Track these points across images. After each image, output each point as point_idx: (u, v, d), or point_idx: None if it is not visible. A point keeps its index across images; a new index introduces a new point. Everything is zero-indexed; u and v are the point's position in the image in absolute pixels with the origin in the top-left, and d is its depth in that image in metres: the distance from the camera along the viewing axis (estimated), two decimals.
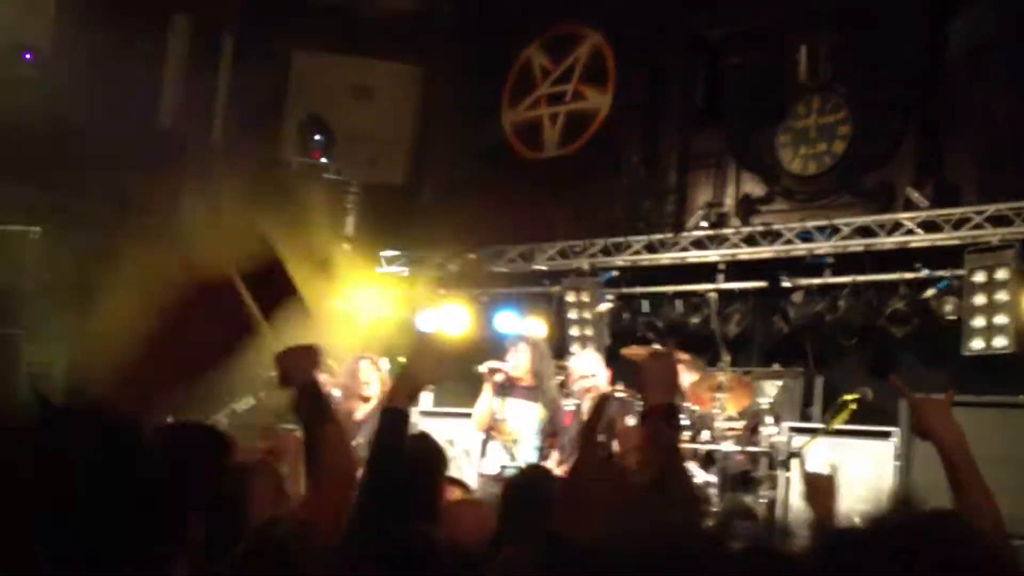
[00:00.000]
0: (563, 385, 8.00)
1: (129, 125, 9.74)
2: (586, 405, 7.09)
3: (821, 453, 6.88)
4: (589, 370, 7.39)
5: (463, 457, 7.32)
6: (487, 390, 7.36)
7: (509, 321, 10.07)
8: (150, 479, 2.00)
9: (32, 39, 9.70)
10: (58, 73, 9.58)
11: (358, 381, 7.36)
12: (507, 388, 7.26)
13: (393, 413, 3.00)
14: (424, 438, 4.48)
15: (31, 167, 8.65)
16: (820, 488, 3.38)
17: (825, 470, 3.36)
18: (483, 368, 7.45)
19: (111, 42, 9.35)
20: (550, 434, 7.23)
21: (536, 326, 10.10)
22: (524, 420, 7.24)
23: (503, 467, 7.04)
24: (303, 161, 11.53)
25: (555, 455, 7.26)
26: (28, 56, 9.69)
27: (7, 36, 9.54)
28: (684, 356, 8.37)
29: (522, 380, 7.29)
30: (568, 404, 7.49)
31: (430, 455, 4.18)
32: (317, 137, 11.62)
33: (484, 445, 7.44)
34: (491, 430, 7.31)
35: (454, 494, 5.26)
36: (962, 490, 2.50)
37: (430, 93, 12.45)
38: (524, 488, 4.07)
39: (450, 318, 10.60)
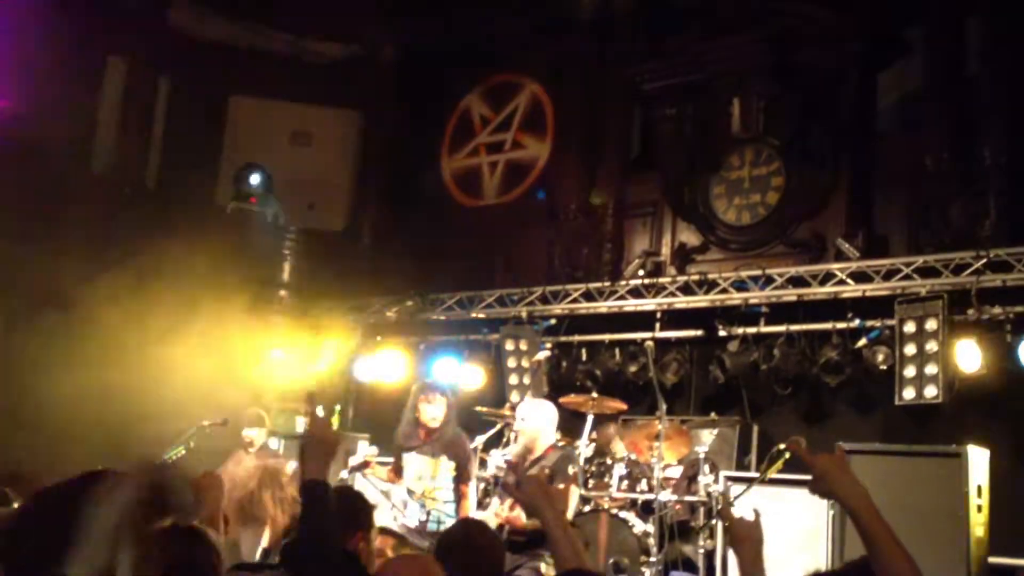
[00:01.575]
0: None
1: (61, 170, 9.60)
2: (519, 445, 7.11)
3: (747, 500, 6.91)
4: (521, 414, 7.21)
5: (399, 508, 7.21)
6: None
7: (447, 369, 10.04)
8: None
9: None
10: None
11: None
12: (410, 443, 7.18)
13: (312, 485, 3.05)
14: (347, 491, 4.41)
15: None
16: (745, 535, 3.37)
17: (750, 516, 3.35)
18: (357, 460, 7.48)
19: (45, 83, 9.23)
20: (461, 482, 7.11)
21: (474, 374, 10.10)
22: (423, 473, 7.12)
23: (419, 520, 6.98)
24: (239, 206, 11.43)
25: (495, 500, 7.21)
26: None
27: None
28: (621, 405, 8.42)
29: (433, 432, 7.14)
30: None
31: (352, 507, 4.12)
32: (254, 181, 11.53)
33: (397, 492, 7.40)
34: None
35: (387, 544, 5.21)
36: (875, 548, 2.45)
37: (369, 139, 12.47)
38: (459, 540, 4.04)
39: (387, 365, 10.55)
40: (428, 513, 7.01)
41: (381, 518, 5.96)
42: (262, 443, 8.34)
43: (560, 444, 7.38)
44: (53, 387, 8.05)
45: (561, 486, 5.98)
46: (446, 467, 7.11)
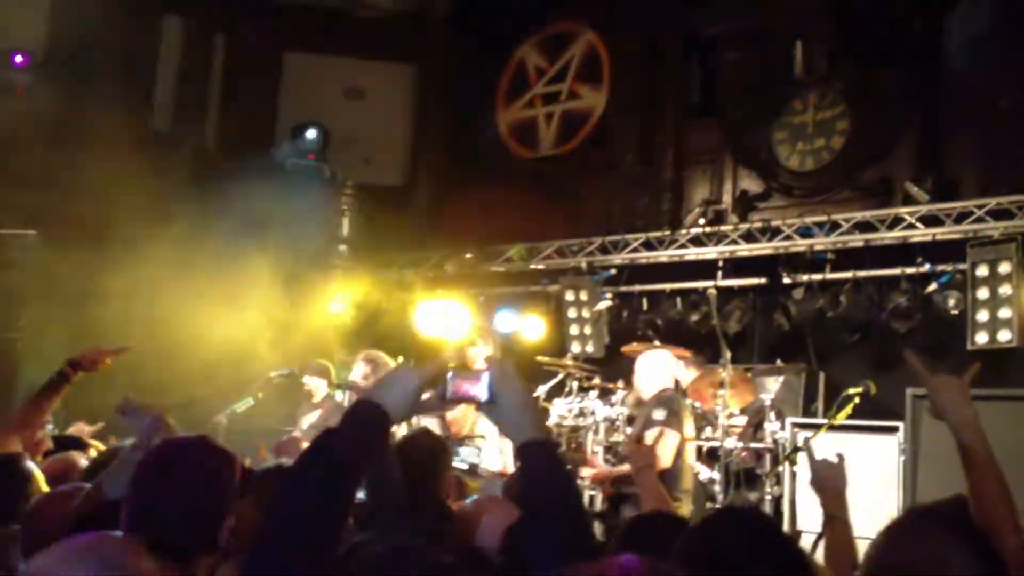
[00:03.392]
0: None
1: (123, 127, 9.68)
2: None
3: (828, 445, 6.82)
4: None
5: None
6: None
7: (508, 321, 10.02)
8: None
9: (25, 43, 9.64)
10: (51, 76, 9.51)
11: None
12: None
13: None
14: (430, 435, 4.45)
15: (25, 171, 8.58)
16: (830, 476, 3.35)
17: (833, 459, 3.33)
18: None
19: (104, 44, 9.29)
20: None
21: (535, 325, 10.08)
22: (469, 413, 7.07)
23: (471, 464, 6.93)
24: (297, 163, 11.48)
25: None
26: (18, 61, 9.61)
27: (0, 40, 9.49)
28: (685, 353, 8.36)
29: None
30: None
31: (436, 450, 4.17)
32: (311, 138, 11.57)
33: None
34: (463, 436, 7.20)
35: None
36: (974, 473, 2.43)
37: (424, 93, 12.42)
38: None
39: (448, 318, 10.55)
40: (479, 453, 6.98)
41: None
42: (325, 394, 8.40)
43: (665, 391, 7.23)
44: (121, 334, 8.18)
45: (650, 438, 6.00)
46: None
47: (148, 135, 10.65)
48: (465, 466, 6.95)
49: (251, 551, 1.89)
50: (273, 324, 9.89)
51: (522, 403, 2.15)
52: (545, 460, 2.11)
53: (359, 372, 7.32)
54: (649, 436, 6.30)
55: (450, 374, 2.14)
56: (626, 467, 6.37)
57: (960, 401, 2.53)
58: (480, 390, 2.13)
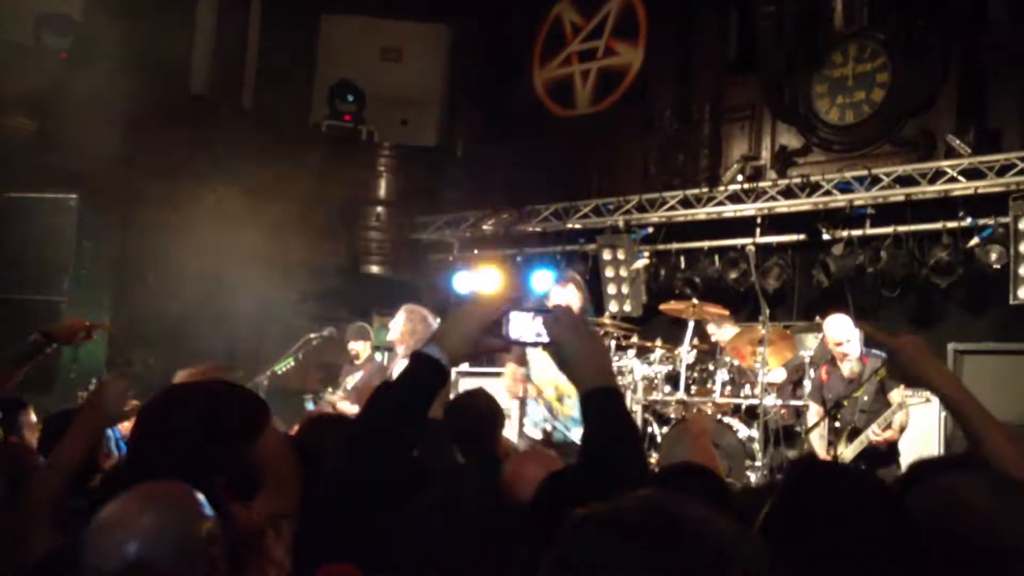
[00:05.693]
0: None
1: (161, 91, 9.75)
2: (847, 368, 6.92)
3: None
4: (844, 336, 6.92)
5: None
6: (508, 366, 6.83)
7: (545, 280, 10.02)
8: None
9: (63, 7, 9.70)
10: (89, 41, 9.57)
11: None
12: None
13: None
14: (485, 394, 4.49)
15: (65, 135, 8.67)
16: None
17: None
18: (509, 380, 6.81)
19: (141, 9, 9.33)
20: None
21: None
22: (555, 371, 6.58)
23: (543, 428, 6.45)
24: (334, 124, 11.52)
25: None
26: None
27: (39, 6, 9.55)
28: (722, 311, 8.33)
29: None
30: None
31: (492, 409, 4.25)
32: (348, 99, 11.60)
33: (522, 405, 6.85)
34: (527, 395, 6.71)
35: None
36: (975, 433, 2.22)
37: (459, 53, 12.38)
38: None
39: (485, 278, 10.58)
40: (555, 419, 6.41)
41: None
42: (367, 355, 8.47)
43: None
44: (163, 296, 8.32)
45: None
46: None
47: (186, 99, 10.72)
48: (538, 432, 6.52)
49: (313, 503, 1.93)
50: (313, 285, 9.99)
51: (586, 350, 2.07)
52: (612, 408, 2.05)
53: (398, 326, 7.23)
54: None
55: (508, 316, 2.08)
56: None
57: (932, 363, 2.34)
58: (540, 332, 2.08)
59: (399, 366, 6.52)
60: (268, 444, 2.59)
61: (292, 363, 7.77)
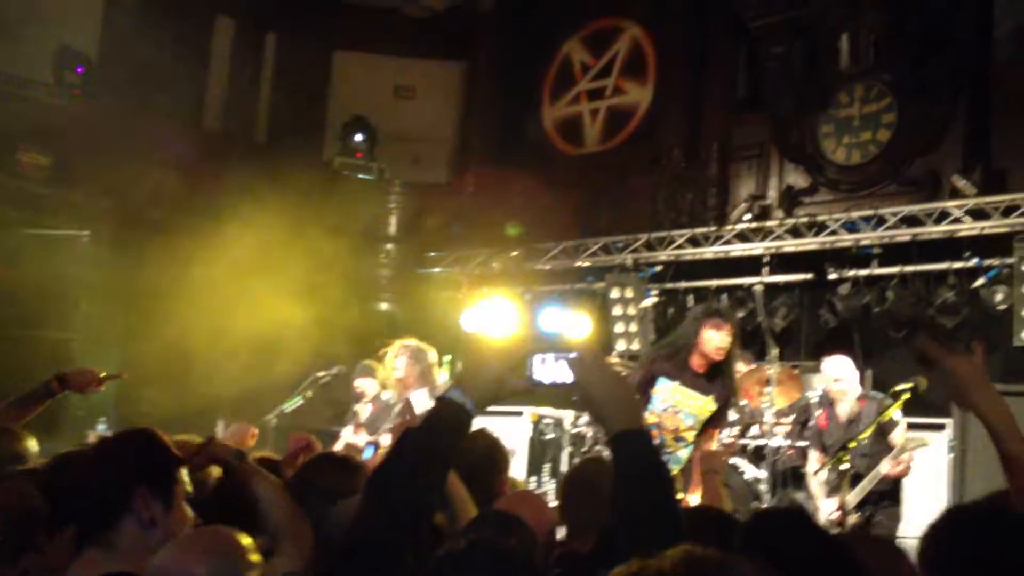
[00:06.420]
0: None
1: (175, 127, 9.87)
2: (844, 408, 6.93)
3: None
4: (841, 373, 6.98)
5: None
6: None
7: (553, 318, 10.04)
8: None
9: (80, 45, 9.86)
10: (105, 78, 9.72)
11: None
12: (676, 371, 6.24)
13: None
14: (487, 435, 4.48)
15: (79, 171, 8.79)
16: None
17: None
18: None
19: (156, 46, 9.47)
20: (713, 426, 6.35)
21: (580, 322, 10.09)
22: (681, 408, 6.27)
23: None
24: (346, 161, 11.61)
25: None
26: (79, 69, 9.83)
27: (56, 43, 9.70)
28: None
29: (712, 365, 6.29)
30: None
31: (492, 452, 4.22)
32: (359, 137, 11.70)
33: None
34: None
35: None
36: (1013, 466, 2.22)
37: (471, 91, 12.49)
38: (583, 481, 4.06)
39: (494, 316, 10.59)
40: (667, 453, 6.16)
41: None
42: (375, 394, 8.49)
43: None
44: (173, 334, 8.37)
45: None
46: (709, 410, 6.27)
47: (200, 134, 10.85)
48: None
49: (338, 551, 1.96)
50: (322, 321, 10.02)
51: (613, 391, 2.05)
52: (640, 451, 2.02)
53: (401, 365, 7.28)
54: None
55: (533, 359, 2.10)
56: None
57: (985, 387, 2.30)
58: (564, 373, 2.07)
59: (418, 404, 6.61)
60: (278, 506, 2.66)
61: (301, 401, 7.79)
